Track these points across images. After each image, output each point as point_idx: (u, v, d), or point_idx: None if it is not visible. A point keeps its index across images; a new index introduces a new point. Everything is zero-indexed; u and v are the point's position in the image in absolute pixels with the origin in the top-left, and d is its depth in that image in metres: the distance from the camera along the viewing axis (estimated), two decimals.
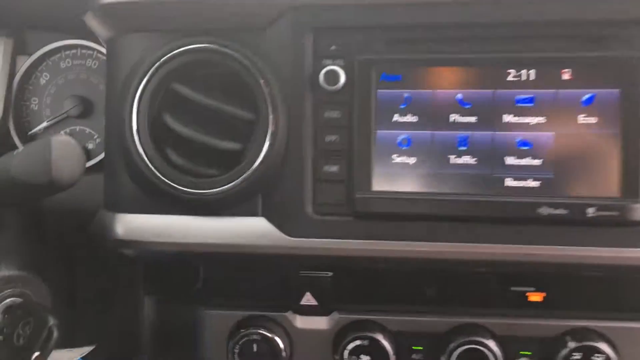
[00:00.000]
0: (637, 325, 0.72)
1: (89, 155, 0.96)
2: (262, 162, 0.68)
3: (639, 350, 0.71)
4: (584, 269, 0.65)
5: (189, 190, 0.69)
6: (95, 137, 0.94)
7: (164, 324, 0.86)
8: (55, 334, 0.72)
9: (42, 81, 0.94)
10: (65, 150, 0.60)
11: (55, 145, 0.59)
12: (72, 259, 0.86)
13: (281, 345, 0.77)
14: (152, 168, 0.69)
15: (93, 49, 0.92)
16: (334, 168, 0.68)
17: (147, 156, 0.69)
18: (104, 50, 0.81)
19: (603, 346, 0.70)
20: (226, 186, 0.68)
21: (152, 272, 0.86)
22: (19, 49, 0.93)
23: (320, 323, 0.78)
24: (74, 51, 0.93)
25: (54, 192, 0.63)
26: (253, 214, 0.70)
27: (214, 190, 0.69)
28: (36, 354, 0.71)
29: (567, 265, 0.64)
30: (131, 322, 0.86)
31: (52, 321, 0.72)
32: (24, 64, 0.93)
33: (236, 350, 0.77)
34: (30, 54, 0.93)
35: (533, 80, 0.64)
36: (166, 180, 0.69)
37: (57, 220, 0.82)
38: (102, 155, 0.96)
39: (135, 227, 0.71)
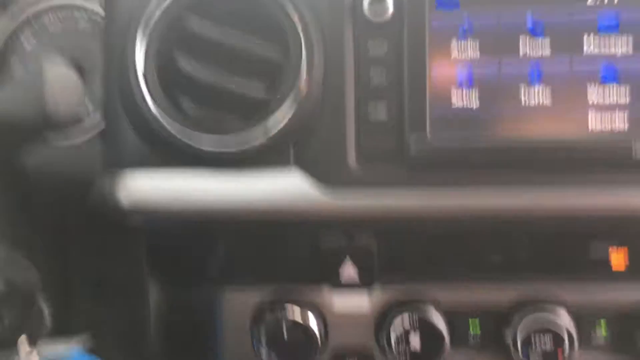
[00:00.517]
0: None
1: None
2: (295, 112, 0.57)
3: None
4: None
5: (206, 149, 0.58)
6: (90, 109, 0.83)
7: (173, 311, 0.75)
8: (46, 315, 0.61)
9: (28, 47, 0.82)
10: (60, 80, 0.49)
11: (49, 73, 0.48)
12: (65, 238, 0.75)
13: (315, 329, 0.66)
14: (161, 119, 0.58)
15: (86, 9, 0.80)
16: (381, 110, 0.57)
17: (155, 104, 0.58)
18: (98, 9, 0.70)
19: None
20: (253, 143, 0.57)
21: (157, 252, 0.74)
22: None
23: (361, 301, 0.67)
24: (64, 12, 0.81)
25: (48, 130, 0.51)
26: (284, 164, 0.59)
27: (238, 148, 0.58)
28: (23, 336, 0.60)
29: None
30: (134, 310, 0.75)
31: (42, 302, 0.61)
32: (6, 27, 0.80)
33: (263, 336, 0.66)
34: (12, 16, 0.81)
35: None
36: (182, 139, 0.58)
37: (47, 192, 0.70)
38: (97, 129, 0.85)
39: (145, 191, 0.60)
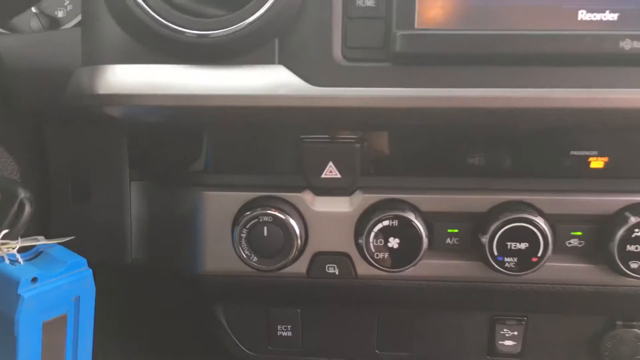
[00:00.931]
0: None
1: (58, 24, 0.82)
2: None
3: None
4: None
5: (190, 31, 0.56)
6: (66, 3, 0.81)
7: (155, 214, 0.74)
8: (27, 208, 0.60)
9: None
10: None
11: None
12: (43, 135, 0.73)
13: (296, 228, 0.66)
14: (145, 5, 0.56)
15: None
16: (370, 2, 0.56)
17: None
18: None
19: None
20: (236, 25, 0.56)
21: (140, 151, 0.73)
22: None
23: (341, 204, 0.67)
24: None
25: None
26: (269, 61, 0.58)
27: (222, 30, 0.56)
28: (4, 231, 0.59)
29: None
30: (115, 212, 0.74)
31: (22, 194, 0.60)
32: None
33: (243, 235, 0.66)
34: None
35: None
36: (161, 19, 0.56)
37: (25, 86, 0.68)
38: (75, 21, 0.82)
39: (125, 79, 0.58)
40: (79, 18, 0.83)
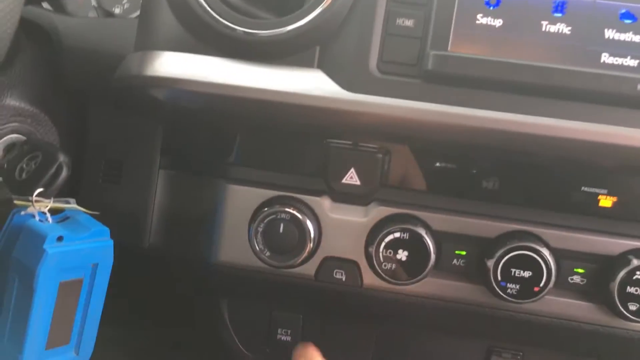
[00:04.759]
0: None
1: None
2: (327, 7, 0.60)
3: None
4: None
5: (239, 28, 0.61)
6: (124, 0, 0.86)
7: (178, 202, 0.77)
8: (65, 171, 0.63)
9: None
10: None
11: None
12: (86, 110, 0.77)
13: (311, 229, 0.69)
14: (203, 2, 0.61)
15: None
16: (409, 22, 0.60)
17: None
18: None
19: None
20: (282, 29, 0.60)
21: (172, 141, 0.77)
22: None
23: (356, 213, 0.70)
24: None
25: None
26: (309, 65, 0.62)
27: (268, 31, 0.61)
28: (39, 189, 0.62)
29: None
30: (140, 196, 0.77)
31: (62, 157, 0.63)
32: None
33: (260, 229, 0.69)
34: None
35: None
36: (214, 15, 0.61)
37: (76, 62, 0.73)
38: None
39: (171, 64, 0.63)
40: (134, 15, 0.89)
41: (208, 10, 0.61)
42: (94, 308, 0.67)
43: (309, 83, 0.61)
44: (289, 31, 0.61)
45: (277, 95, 0.61)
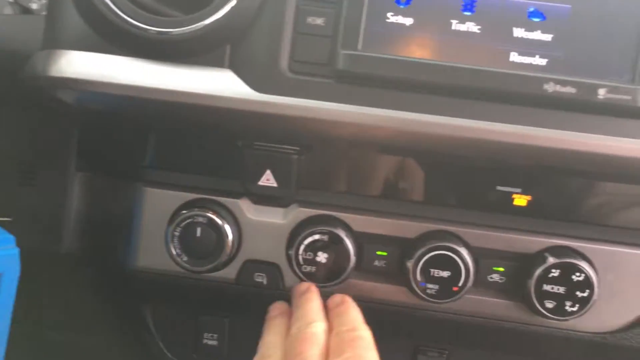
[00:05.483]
0: (618, 248, 0.66)
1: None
2: (234, 5, 0.58)
3: (618, 273, 0.66)
4: (584, 161, 0.58)
5: (147, 27, 0.58)
6: None
7: (96, 205, 0.75)
8: None
9: None
10: None
11: None
12: None
13: (229, 233, 0.67)
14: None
15: None
16: (319, 20, 0.59)
17: None
18: None
19: (583, 264, 0.64)
20: (192, 26, 0.58)
21: (89, 142, 0.74)
22: None
23: (276, 215, 0.69)
24: None
25: None
26: (219, 65, 0.60)
27: (177, 29, 0.58)
28: None
29: (567, 154, 0.57)
30: (56, 200, 0.75)
31: None
32: None
33: (176, 233, 0.67)
34: None
35: None
36: (121, 14, 0.58)
37: None
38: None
39: (79, 64, 0.60)
40: None
41: (115, 11, 0.58)
42: (2, 316, 0.64)
43: (218, 84, 0.59)
44: (198, 29, 0.58)
45: (185, 96, 0.59)
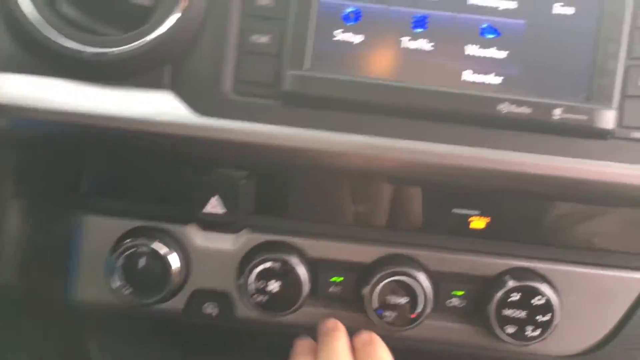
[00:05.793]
0: (579, 269, 0.64)
1: None
2: (176, 22, 0.55)
3: (580, 294, 0.64)
4: (541, 183, 0.56)
5: (80, 48, 0.55)
6: None
7: (33, 235, 0.70)
8: None
9: None
10: None
11: None
12: None
13: (174, 263, 0.63)
14: (35, 17, 0.55)
15: None
16: (264, 39, 0.56)
17: (31, 4, 0.55)
18: None
19: (544, 287, 0.62)
20: (128, 46, 0.55)
21: (25, 168, 0.69)
22: None
23: (226, 242, 0.65)
24: None
25: None
26: (159, 86, 0.56)
27: (113, 49, 0.55)
28: None
29: (523, 177, 0.55)
30: None
31: None
32: None
33: (118, 264, 0.63)
34: None
35: None
36: (52, 35, 0.54)
37: None
38: None
39: (9, 88, 0.56)
40: None
41: (46, 34, 0.54)
42: None
43: (157, 106, 0.56)
44: (139, 47, 0.55)
45: (121, 122, 0.55)
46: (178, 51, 0.56)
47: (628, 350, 0.65)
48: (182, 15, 0.55)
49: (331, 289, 0.65)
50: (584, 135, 0.54)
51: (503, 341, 0.63)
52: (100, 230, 0.65)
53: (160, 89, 0.56)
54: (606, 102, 0.54)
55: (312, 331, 0.65)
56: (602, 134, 0.54)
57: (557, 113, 0.53)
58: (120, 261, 0.63)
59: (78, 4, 0.57)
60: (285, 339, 0.67)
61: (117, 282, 0.63)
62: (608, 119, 0.53)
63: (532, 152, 0.54)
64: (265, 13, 0.56)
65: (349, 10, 0.55)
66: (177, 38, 0.56)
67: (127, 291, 0.63)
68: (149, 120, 0.55)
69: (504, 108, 0.53)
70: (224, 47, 0.56)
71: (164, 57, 0.56)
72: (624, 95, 0.54)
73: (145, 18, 0.56)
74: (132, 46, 0.55)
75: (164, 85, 0.56)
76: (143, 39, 0.55)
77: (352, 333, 0.66)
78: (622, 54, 0.54)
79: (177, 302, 0.65)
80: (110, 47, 0.55)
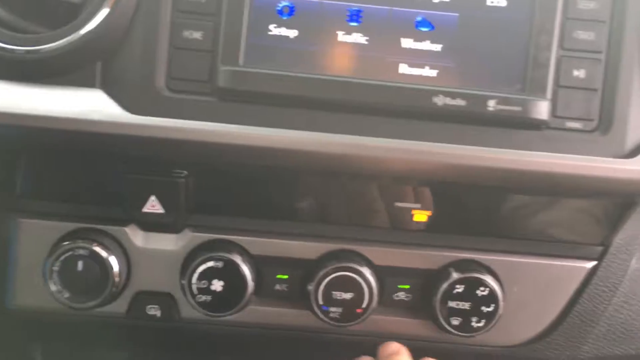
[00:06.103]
0: (523, 259, 0.65)
1: None
2: (105, 17, 0.53)
3: (524, 284, 0.64)
4: (477, 175, 0.56)
5: (11, 47, 0.53)
6: None
7: None
8: None
9: None
10: None
11: None
12: None
13: (114, 265, 0.62)
14: None
15: None
16: (197, 34, 0.54)
17: None
18: None
19: (488, 279, 0.62)
20: (56, 43, 0.53)
21: None
22: None
23: (168, 242, 0.64)
24: None
25: None
26: (89, 84, 0.55)
27: (40, 47, 0.53)
28: None
29: (460, 169, 0.55)
30: None
31: None
32: None
33: (55, 268, 0.61)
34: None
35: None
36: None
37: None
38: None
39: None
40: None
41: None
42: None
43: (87, 105, 0.54)
44: (71, 42, 0.53)
45: (50, 121, 0.53)
46: (109, 48, 0.55)
47: (571, 339, 0.66)
48: (111, 10, 0.53)
49: (277, 287, 0.64)
50: (518, 126, 0.54)
51: (449, 333, 0.63)
52: (36, 234, 0.63)
53: (91, 88, 0.55)
54: (540, 93, 0.54)
55: (257, 329, 0.65)
56: (537, 125, 0.54)
57: (492, 104, 0.53)
58: (58, 265, 0.61)
59: (7, 4, 0.55)
60: (233, 338, 0.66)
61: (54, 287, 0.61)
62: (542, 109, 0.54)
63: (469, 144, 0.54)
64: (196, 8, 0.54)
65: (282, 4, 0.54)
66: (107, 34, 0.54)
67: (65, 296, 0.61)
68: (79, 119, 0.54)
69: (439, 100, 0.53)
70: (155, 43, 0.54)
71: (94, 54, 0.55)
72: (558, 86, 0.55)
73: (76, 16, 0.54)
74: (63, 42, 0.53)
75: (95, 83, 0.55)
76: (74, 34, 0.53)
77: (299, 331, 0.66)
78: (555, 45, 0.54)
79: (120, 305, 0.64)
80: (42, 44, 0.53)
